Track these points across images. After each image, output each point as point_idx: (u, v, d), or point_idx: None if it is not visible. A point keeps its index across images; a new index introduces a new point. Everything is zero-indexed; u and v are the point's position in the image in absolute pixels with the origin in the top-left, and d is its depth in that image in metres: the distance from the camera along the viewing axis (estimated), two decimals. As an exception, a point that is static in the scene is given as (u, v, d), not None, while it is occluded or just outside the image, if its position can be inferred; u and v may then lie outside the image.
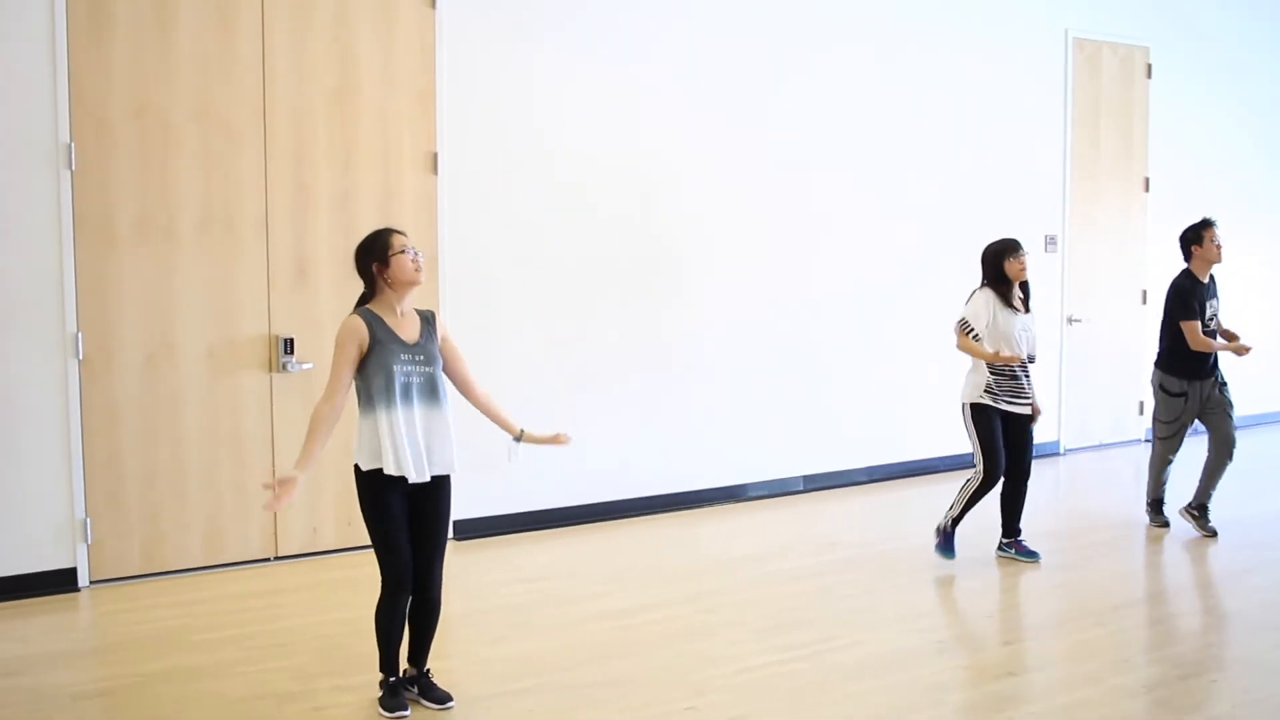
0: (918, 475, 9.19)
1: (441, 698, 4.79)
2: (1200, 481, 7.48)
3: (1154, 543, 7.37)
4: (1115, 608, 6.12)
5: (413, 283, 4.67)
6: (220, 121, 6.52)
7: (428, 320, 4.79)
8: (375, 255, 4.67)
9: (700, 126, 8.06)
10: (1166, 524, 7.63)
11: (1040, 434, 9.80)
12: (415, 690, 4.83)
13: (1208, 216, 7.53)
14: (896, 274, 9.05)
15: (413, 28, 7.01)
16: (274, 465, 6.69)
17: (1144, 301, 10.47)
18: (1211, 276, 7.50)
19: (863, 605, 6.10)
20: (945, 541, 6.86)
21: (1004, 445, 6.77)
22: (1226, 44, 10.95)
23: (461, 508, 7.29)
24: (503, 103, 7.34)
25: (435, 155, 7.11)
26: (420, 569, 4.74)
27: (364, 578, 6.50)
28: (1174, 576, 6.90)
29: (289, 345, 6.72)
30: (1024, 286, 6.84)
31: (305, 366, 6.76)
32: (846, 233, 8.76)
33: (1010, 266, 6.74)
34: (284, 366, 6.72)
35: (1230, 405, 7.41)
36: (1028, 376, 6.78)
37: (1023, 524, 7.03)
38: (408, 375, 4.64)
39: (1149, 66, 10.33)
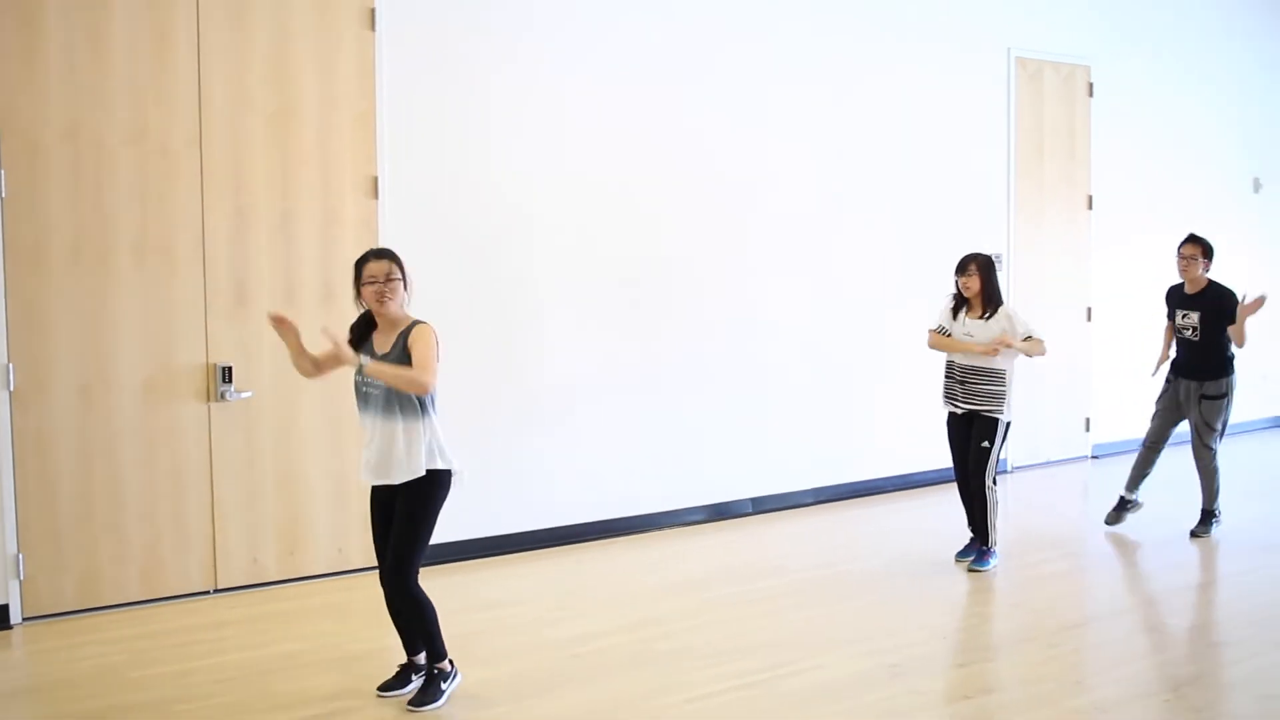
0: (866, 496, 9.14)
1: (416, 701, 5.00)
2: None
3: (1103, 560, 7.35)
4: (1067, 627, 6.09)
5: (376, 312, 5.01)
6: (156, 145, 6.37)
7: (403, 335, 4.98)
8: (355, 283, 5.05)
9: (649, 149, 7.99)
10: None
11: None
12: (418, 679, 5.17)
13: (1190, 234, 7.97)
14: (843, 294, 9.01)
15: (352, 50, 6.91)
16: (213, 496, 6.55)
17: (1089, 319, 10.51)
18: (1212, 286, 7.86)
19: (815, 629, 6.04)
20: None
21: (964, 451, 7.33)
22: (1166, 63, 11.03)
23: (407, 536, 7.18)
24: (445, 125, 7.24)
25: (375, 179, 7.00)
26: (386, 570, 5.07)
27: (308, 609, 6.40)
28: (1124, 595, 6.89)
29: (227, 374, 6.58)
30: (990, 298, 7.16)
31: (244, 395, 6.62)
32: (792, 254, 8.72)
33: (959, 282, 7.23)
34: (222, 395, 6.58)
35: (1206, 421, 7.84)
36: (970, 381, 7.18)
37: (964, 536, 7.22)
38: (367, 387, 4.97)
39: (1090, 85, 10.39)
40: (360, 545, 7.00)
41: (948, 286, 9.49)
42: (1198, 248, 7.84)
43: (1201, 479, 7.98)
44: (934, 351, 7.41)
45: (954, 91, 9.55)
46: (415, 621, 5.09)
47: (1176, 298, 8.02)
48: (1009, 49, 9.83)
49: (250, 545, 6.72)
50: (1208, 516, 7.97)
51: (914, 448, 9.44)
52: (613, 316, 7.90)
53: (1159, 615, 6.28)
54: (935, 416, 9.51)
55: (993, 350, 7.02)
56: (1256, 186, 11.85)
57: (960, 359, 7.20)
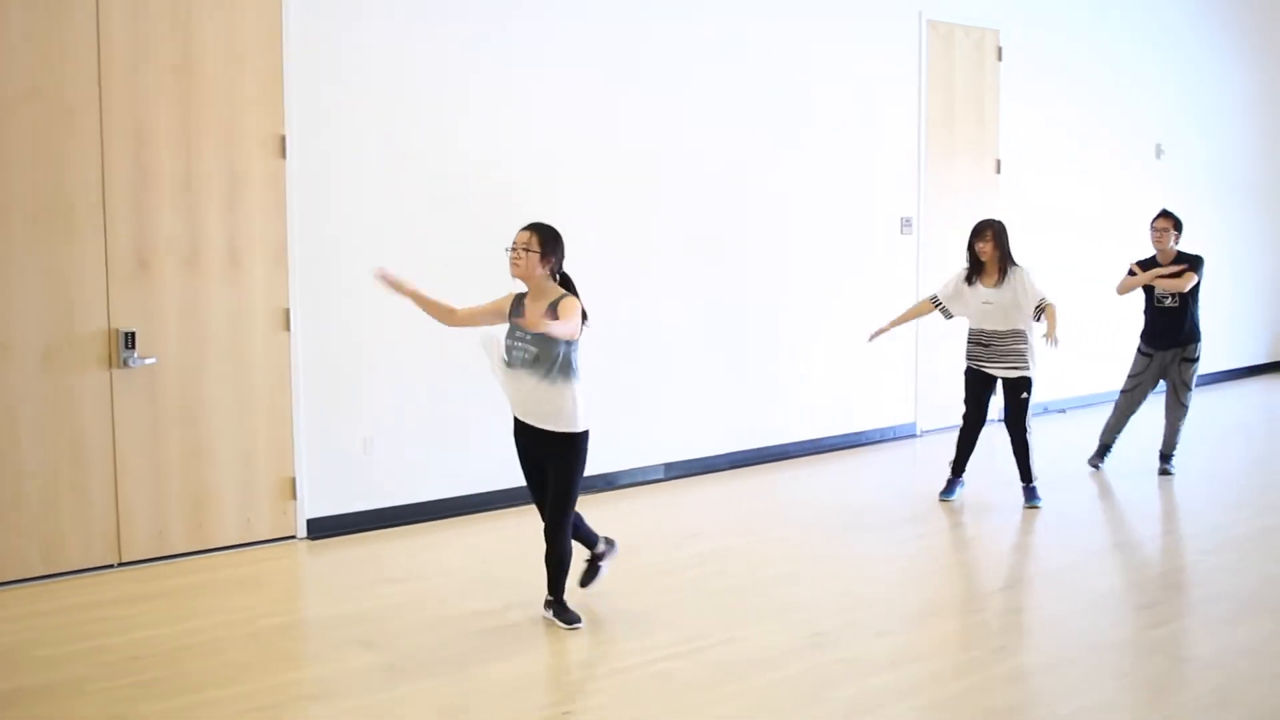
0: (780, 460, 9.13)
1: (570, 619, 5.55)
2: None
3: (1016, 525, 7.41)
4: (986, 593, 6.14)
5: (514, 275, 5.47)
6: (53, 102, 6.10)
7: (552, 305, 5.35)
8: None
9: (564, 113, 7.85)
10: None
11: (896, 416, 9.97)
12: (551, 613, 5.62)
13: (1162, 209, 8.56)
14: (754, 258, 8.96)
15: (258, 3, 6.67)
16: (116, 467, 6.33)
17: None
18: (1180, 256, 8.37)
19: (733, 599, 5.99)
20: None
21: (980, 401, 7.84)
22: (1074, 29, 11.09)
23: (317, 504, 7.04)
24: (359, 82, 7.03)
25: (283, 138, 6.79)
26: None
27: (218, 582, 6.23)
28: (1039, 559, 6.94)
29: (130, 340, 6.35)
30: (1005, 260, 7.57)
31: (148, 361, 6.40)
32: (700, 219, 8.62)
33: (975, 247, 7.64)
34: (125, 362, 6.35)
35: (1185, 382, 8.48)
36: (995, 345, 7.64)
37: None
38: (509, 350, 5.49)
39: (999, 49, 10.42)
40: (269, 514, 6.84)
41: (861, 249, 9.56)
42: (1169, 221, 8.36)
43: (1170, 428, 8.57)
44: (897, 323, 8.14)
45: (865, 54, 9.51)
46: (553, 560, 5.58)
47: (1149, 262, 8.43)
48: (920, 12, 9.81)
49: (156, 516, 6.52)
50: (1167, 459, 8.61)
51: (825, 412, 9.46)
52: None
53: (1078, 579, 6.32)
54: (845, 380, 9.57)
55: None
56: (1158, 152, 11.99)
57: (985, 325, 7.65)
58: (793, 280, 9.18)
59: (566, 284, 5.51)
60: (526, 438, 5.58)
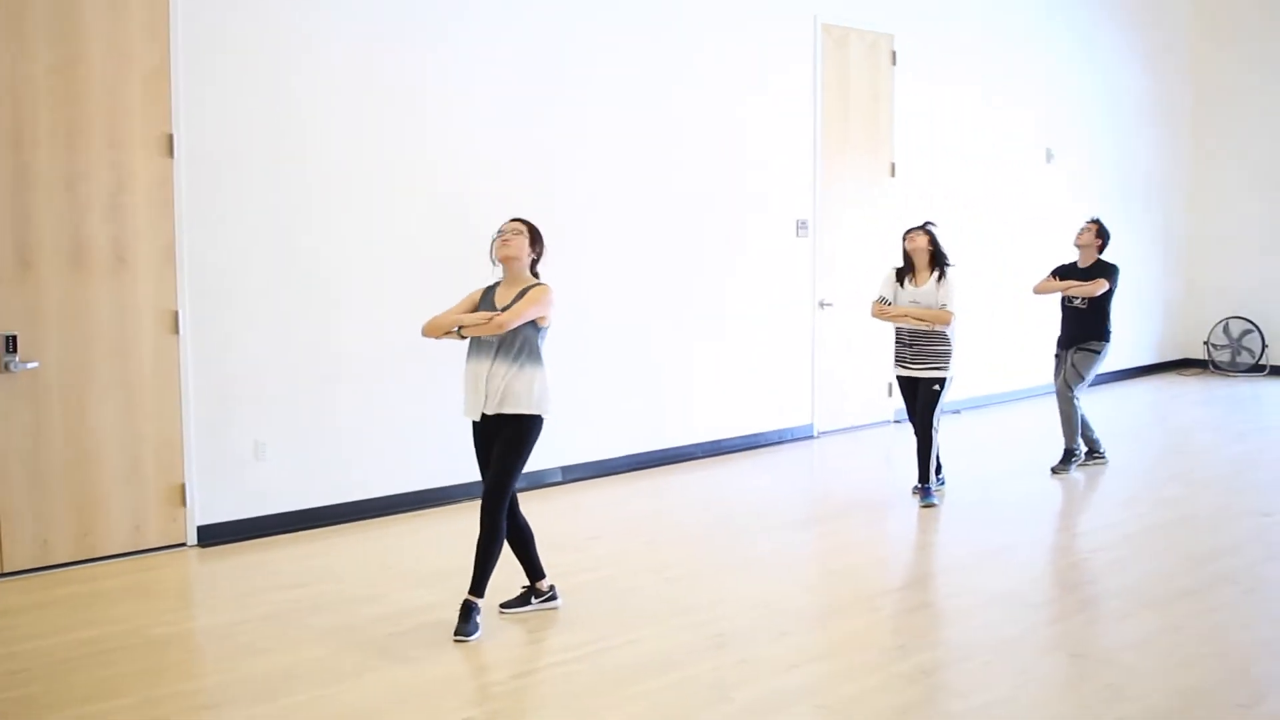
0: (678, 462, 9.11)
1: (468, 630, 5.41)
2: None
3: (914, 524, 7.47)
4: (884, 592, 6.16)
5: (498, 258, 5.59)
6: (-73, 97, 5.92)
7: (521, 292, 5.50)
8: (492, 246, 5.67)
9: (465, 109, 7.77)
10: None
11: (794, 417, 10.01)
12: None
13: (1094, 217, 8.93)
14: (653, 260, 8.94)
15: (144, -1, 6.52)
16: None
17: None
18: (1098, 264, 8.70)
19: (633, 601, 5.95)
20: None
21: (907, 404, 7.95)
22: (968, 34, 11.23)
23: (208, 511, 6.88)
24: (249, 79, 6.89)
25: (170, 136, 6.63)
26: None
27: (104, 591, 6.06)
28: (937, 558, 7.00)
29: (11, 343, 6.15)
30: (937, 261, 7.74)
31: (30, 366, 6.21)
32: (601, 221, 8.60)
33: (905, 245, 7.84)
34: (6, 367, 6.15)
35: (1075, 369, 8.66)
36: (917, 344, 7.75)
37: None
38: (475, 340, 5.52)
39: (894, 54, 10.51)
40: (158, 522, 6.67)
41: (758, 252, 9.59)
42: (1094, 227, 8.70)
43: (1063, 421, 8.73)
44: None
45: (761, 58, 9.54)
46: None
47: (1066, 272, 8.79)
48: (815, 15, 9.87)
49: (39, 525, 6.32)
50: (1068, 455, 8.72)
51: (723, 414, 9.47)
52: (414, 286, 7.63)
53: (971, 578, 6.38)
54: (743, 383, 9.58)
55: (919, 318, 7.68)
56: (1049, 157, 12.19)
57: (908, 324, 7.75)
58: (690, 282, 9.17)
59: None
60: (486, 431, 5.56)
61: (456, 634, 5.36)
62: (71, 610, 5.78)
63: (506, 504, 5.50)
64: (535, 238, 5.66)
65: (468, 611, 5.43)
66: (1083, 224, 8.79)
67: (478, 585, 5.46)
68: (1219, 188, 13.92)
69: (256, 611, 5.77)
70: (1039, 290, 8.89)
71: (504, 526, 5.50)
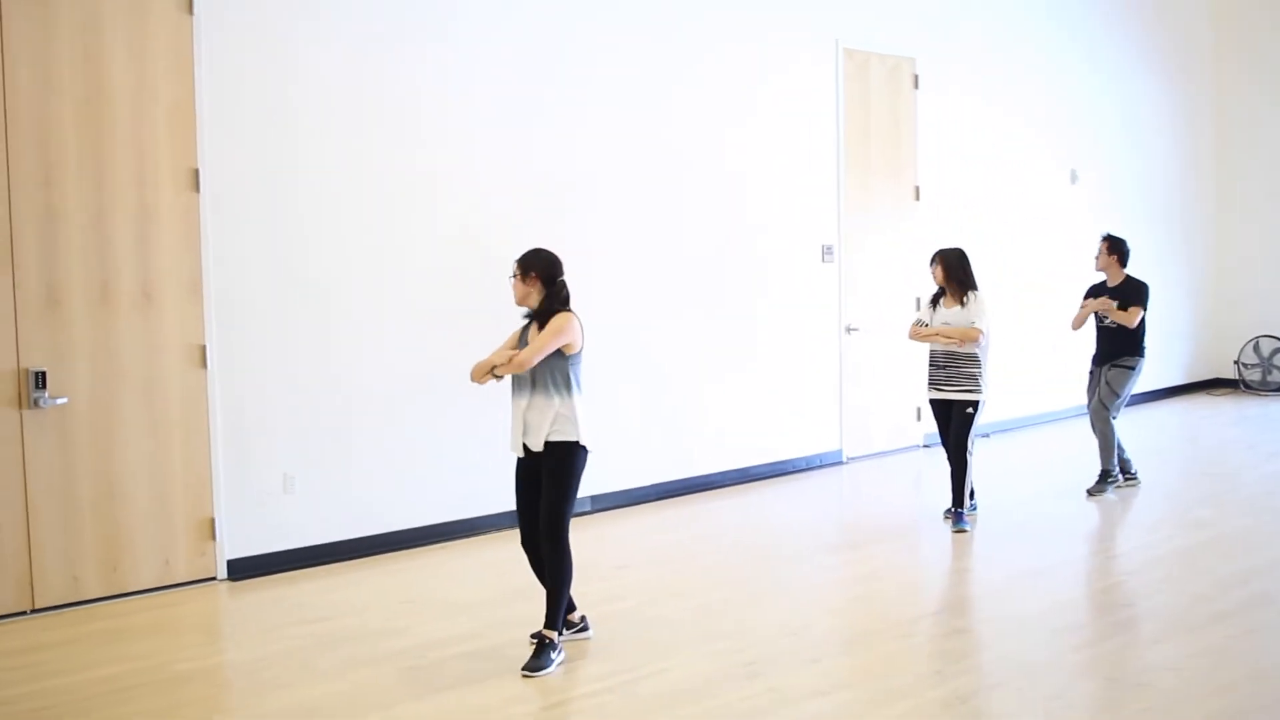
0: (707, 490, 9.08)
1: (541, 664, 5.35)
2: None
3: (946, 549, 7.41)
4: (917, 618, 6.11)
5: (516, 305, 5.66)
6: (-45, 137, 5.97)
7: (539, 327, 5.54)
8: None
9: (484, 140, 7.79)
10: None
11: (823, 443, 9.97)
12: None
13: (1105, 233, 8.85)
14: (679, 289, 8.92)
15: (168, 35, 6.55)
16: (28, 510, 6.15)
17: (918, 308, 10.61)
18: (1127, 281, 8.64)
19: (663, 630, 5.91)
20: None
21: (940, 427, 8.00)
22: (990, 57, 11.22)
23: (237, 545, 6.88)
24: (271, 114, 6.93)
25: (196, 171, 6.67)
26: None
27: (131, 628, 6.06)
28: (968, 583, 6.95)
29: (40, 379, 6.19)
30: (961, 285, 7.80)
31: (59, 402, 6.24)
32: (625, 249, 8.59)
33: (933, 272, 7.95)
34: (36, 403, 6.18)
35: (1110, 387, 8.58)
36: (950, 366, 7.80)
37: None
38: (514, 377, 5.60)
39: (916, 77, 10.50)
40: (188, 556, 6.68)
41: (784, 278, 9.57)
42: (1105, 245, 8.67)
43: (1100, 442, 8.66)
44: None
45: (784, 83, 9.54)
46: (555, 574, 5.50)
47: (1096, 291, 8.72)
48: (837, 40, 9.87)
49: (69, 561, 6.33)
50: (1104, 476, 8.64)
51: (751, 441, 9.43)
52: (436, 318, 7.64)
53: (1004, 602, 6.33)
54: (771, 409, 9.55)
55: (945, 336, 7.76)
56: (1074, 178, 12.15)
57: (938, 345, 7.83)
58: (716, 309, 9.15)
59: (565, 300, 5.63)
60: (530, 467, 5.60)
61: (524, 669, 5.32)
62: (98, 646, 5.78)
63: (564, 533, 5.51)
64: (527, 266, 5.59)
65: (542, 647, 5.39)
66: (1097, 245, 8.76)
67: (551, 620, 5.45)
68: (1244, 206, 13.86)
69: (280, 646, 5.76)
70: (1077, 324, 8.79)
71: (568, 555, 5.52)
